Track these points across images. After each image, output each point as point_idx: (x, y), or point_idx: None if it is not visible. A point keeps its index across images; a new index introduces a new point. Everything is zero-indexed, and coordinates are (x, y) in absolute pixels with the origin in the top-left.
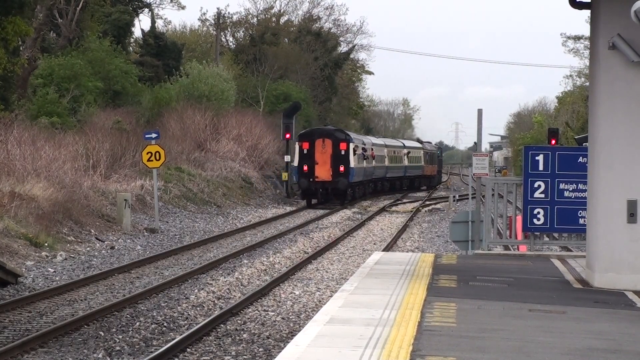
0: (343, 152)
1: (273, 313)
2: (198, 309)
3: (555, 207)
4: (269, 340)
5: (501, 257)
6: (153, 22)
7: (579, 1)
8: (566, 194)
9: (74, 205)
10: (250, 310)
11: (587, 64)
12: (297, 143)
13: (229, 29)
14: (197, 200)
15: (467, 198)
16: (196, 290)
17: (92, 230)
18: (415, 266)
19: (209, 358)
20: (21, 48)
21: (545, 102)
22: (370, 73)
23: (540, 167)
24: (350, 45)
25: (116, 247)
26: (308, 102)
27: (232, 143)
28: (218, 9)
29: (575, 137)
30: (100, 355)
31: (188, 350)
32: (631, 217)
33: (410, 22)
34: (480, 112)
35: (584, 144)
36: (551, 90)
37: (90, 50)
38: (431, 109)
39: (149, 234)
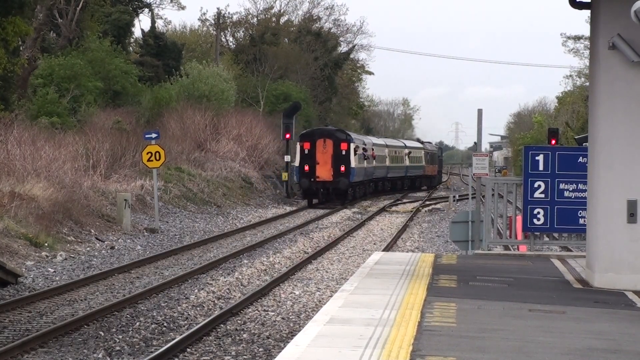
0: (344, 152)
1: (273, 313)
2: (198, 309)
3: (555, 207)
4: (269, 340)
5: (501, 257)
6: (153, 22)
7: (579, 1)
8: (566, 194)
9: (74, 205)
10: (250, 310)
11: (587, 64)
12: (298, 143)
13: (229, 29)
14: (197, 200)
15: (467, 198)
16: (196, 290)
17: (92, 230)
18: (415, 266)
19: (209, 358)
20: (21, 48)
21: (545, 102)
22: (370, 73)
23: (540, 167)
24: (350, 45)
25: (116, 247)
26: (308, 102)
27: (232, 143)
28: (218, 9)
29: (575, 137)
30: (100, 355)
31: (188, 350)
32: (631, 217)
33: (410, 22)
34: (480, 112)
35: (584, 144)
36: (551, 90)
37: (90, 50)
38: (431, 109)
39: (149, 234)
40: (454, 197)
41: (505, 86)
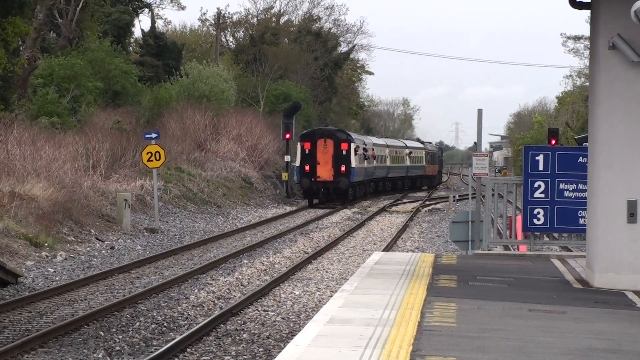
0: (344, 152)
1: (273, 313)
2: (198, 309)
3: (555, 207)
4: (269, 340)
5: (501, 257)
6: (153, 22)
7: (579, 1)
8: (566, 194)
9: (74, 205)
10: (250, 310)
11: (587, 64)
12: (298, 143)
13: (229, 29)
14: (197, 200)
15: (467, 198)
16: (196, 290)
17: (92, 230)
18: (415, 266)
19: (209, 358)
20: (21, 48)
21: (545, 102)
22: (370, 73)
23: (540, 167)
24: (350, 45)
25: (116, 247)
26: (308, 102)
27: (232, 143)
28: (218, 9)
29: (575, 137)
30: (100, 355)
31: (188, 350)
32: (631, 217)
33: (410, 22)
34: (480, 112)
35: (584, 144)
36: (551, 90)
37: (90, 50)
38: (431, 109)
39: (149, 234)
40: (454, 197)
41: (505, 86)
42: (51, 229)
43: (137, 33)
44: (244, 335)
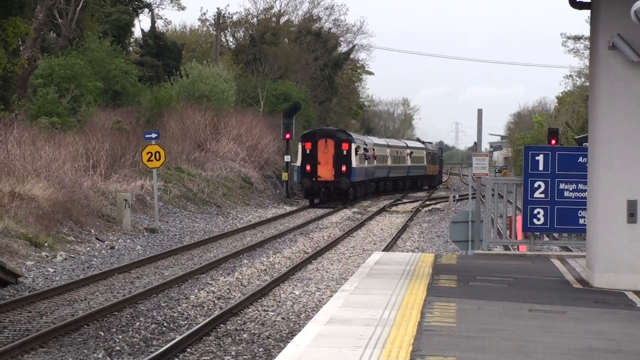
0: (345, 152)
1: (273, 313)
2: (198, 309)
3: (555, 207)
4: (269, 340)
5: (501, 257)
6: (153, 22)
7: (579, 1)
8: (566, 194)
9: (74, 205)
10: (250, 310)
11: (587, 64)
12: (299, 143)
13: (229, 29)
14: (197, 200)
15: (467, 198)
16: (196, 290)
17: (92, 230)
18: (415, 266)
19: (209, 358)
20: (21, 48)
21: (545, 102)
22: (370, 73)
23: (540, 167)
24: (350, 45)
25: (116, 247)
26: (308, 102)
27: (232, 143)
28: (218, 9)
29: (575, 137)
30: (100, 355)
31: (188, 350)
32: (631, 217)
33: (410, 22)
34: (480, 112)
35: (584, 144)
36: (551, 90)
37: (90, 50)
38: (431, 109)
39: (149, 234)
40: (454, 197)
41: (505, 86)
42: (51, 229)
43: (137, 33)
44: (244, 335)
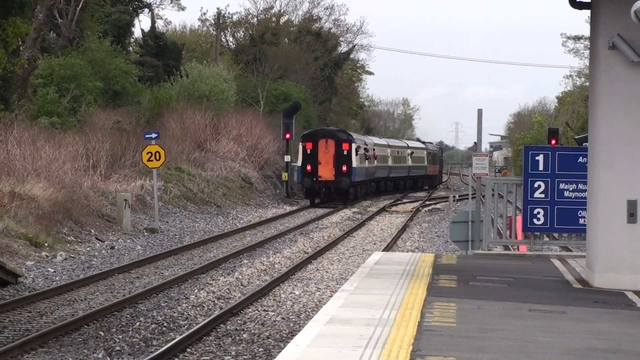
0: (345, 152)
1: (273, 313)
2: (198, 309)
3: (555, 207)
4: (269, 340)
5: (501, 257)
6: (153, 22)
7: (579, 1)
8: (566, 194)
9: (74, 205)
10: (250, 310)
11: (587, 64)
12: (300, 143)
13: (229, 29)
14: (197, 200)
15: (467, 198)
16: (196, 290)
17: (92, 230)
18: (415, 266)
19: (209, 358)
20: (21, 48)
21: (545, 102)
22: (370, 73)
23: (540, 167)
24: (350, 45)
25: (116, 247)
26: (308, 102)
27: (232, 143)
28: (218, 9)
29: (575, 137)
30: (100, 355)
31: (188, 350)
32: (631, 217)
33: (410, 22)
34: (480, 112)
35: (584, 144)
36: (551, 90)
37: (90, 50)
38: (431, 109)
39: (149, 234)
40: (454, 197)
41: (505, 86)
42: (51, 229)
43: (137, 33)
44: (244, 335)
